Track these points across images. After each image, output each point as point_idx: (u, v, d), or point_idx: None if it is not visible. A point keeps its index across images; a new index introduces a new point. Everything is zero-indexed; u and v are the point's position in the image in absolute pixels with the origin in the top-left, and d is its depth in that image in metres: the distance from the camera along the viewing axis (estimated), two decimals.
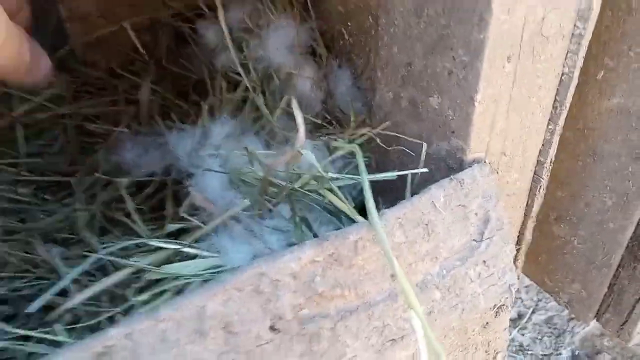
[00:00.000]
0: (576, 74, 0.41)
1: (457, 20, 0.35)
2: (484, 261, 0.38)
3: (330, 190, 0.43)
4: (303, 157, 0.42)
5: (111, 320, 0.50)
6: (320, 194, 0.46)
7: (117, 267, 0.55)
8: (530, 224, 0.48)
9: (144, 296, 0.45)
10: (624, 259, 0.56)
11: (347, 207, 0.40)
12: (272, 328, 0.33)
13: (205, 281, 0.49)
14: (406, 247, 0.36)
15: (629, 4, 0.47)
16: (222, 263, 0.49)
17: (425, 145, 0.41)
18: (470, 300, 0.38)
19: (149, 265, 0.48)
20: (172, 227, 0.54)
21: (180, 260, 0.52)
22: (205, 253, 0.49)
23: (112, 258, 0.49)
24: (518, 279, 0.58)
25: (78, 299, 0.47)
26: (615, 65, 0.50)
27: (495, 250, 0.39)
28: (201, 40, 0.72)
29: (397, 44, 0.40)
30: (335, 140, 0.49)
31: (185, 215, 0.52)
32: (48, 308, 0.57)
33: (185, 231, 0.57)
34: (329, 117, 0.60)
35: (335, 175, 0.41)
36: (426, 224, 0.37)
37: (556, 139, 0.44)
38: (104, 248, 0.52)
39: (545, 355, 1.09)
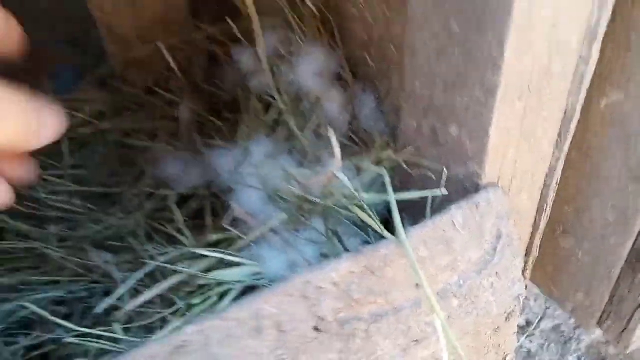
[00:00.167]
0: (578, 108, 0.47)
1: (474, 64, 0.41)
2: (497, 273, 0.44)
3: (361, 207, 0.49)
4: (337, 178, 0.48)
5: (163, 322, 0.56)
6: (349, 210, 0.52)
7: (163, 273, 0.61)
8: (538, 239, 0.54)
9: (196, 300, 0.51)
10: (623, 271, 0.61)
11: (376, 224, 0.46)
12: (316, 328, 0.39)
13: (247, 287, 0.56)
14: (429, 260, 0.42)
15: (628, 40, 0.53)
16: (261, 271, 0.55)
17: (445, 170, 0.47)
18: (484, 307, 0.44)
19: (196, 272, 0.55)
20: (215, 237, 0.60)
21: (219, 268, 0.58)
22: (246, 261, 0.55)
23: (168, 266, 0.55)
24: (526, 288, 0.63)
25: (138, 301, 0.53)
26: (616, 96, 0.55)
27: (506, 263, 0.44)
28: (235, 64, 0.78)
29: (420, 79, 0.46)
30: (362, 161, 0.55)
31: (227, 227, 0.58)
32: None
33: (223, 242, 0.63)
34: (354, 138, 0.66)
35: (366, 195, 0.47)
36: (446, 241, 0.42)
37: (561, 165, 0.49)
38: (160, 255, 0.58)
39: None
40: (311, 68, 0.68)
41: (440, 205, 0.46)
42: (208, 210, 0.70)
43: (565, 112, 0.46)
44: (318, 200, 0.52)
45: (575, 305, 0.67)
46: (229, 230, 0.60)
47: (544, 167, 0.48)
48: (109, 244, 0.70)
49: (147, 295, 0.53)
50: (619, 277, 0.61)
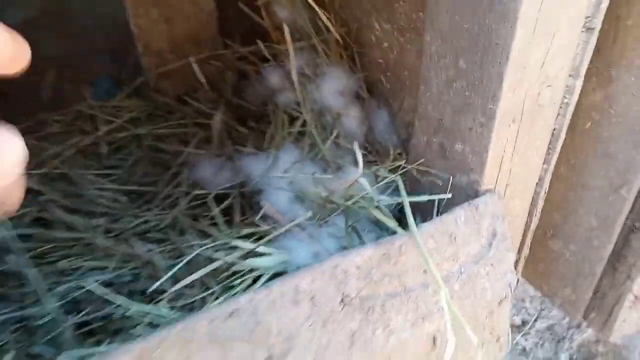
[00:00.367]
0: (564, 129, 0.56)
1: (477, 94, 0.50)
2: (491, 264, 0.53)
3: (378, 208, 0.58)
4: (358, 183, 0.57)
5: (203, 302, 0.65)
6: (368, 210, 0.60)
7: (198, 262, 0.70)
8: (529, 238, 0.62)
9: (235, 282, 0.60)
10: (605, 270, 0.69)
11: (392, 222, 0.55)
12: (342, 302, 0.48)
13: (276, 273, 0.64)
14: (435, 251, 0.51)
15: (610, 74, 0.62)
16: (289, 259, 0.64)
17: (450, 178, 0.56)
18: (480, 292, 0.53)
19: (233, 259, 0.63)
20: (247, 230, 0.69)
21: (252, 258, 0.67)
22: (276, 251, 0.64)
23: (209, 254, 0.64)
24: (518, 283, 0.72)
25: (183, 282, 0.62)
26: (599, 119, 0.64)
27: (500, 256, 0.53)
28: (263, 80, 0.88)
29: (432, 104, 0.56)
30: (379, 169, 0.64)
31: (260, 223, 0.67)
32: (143, 292, 0.72)
33: (253, 235, 0.72)
34: (370, 148, 0.76)
35: (382, 197, 0.56)
36: (450, 236, 0.51)
37: (549, 175, 0.58)
38: (198, 246, 0.67)
39: (546, 358, 1.21)
40: (333, 87, 0.77)
41: (445, 207, 0.55)
42: (237, 209, 0.79)
43: (552, 133, 0.55)
44: (341, 201, 0.61)
45: (563, 300, 0.75)
46: (259, 225, 0.69)
47: (534, 177, 0.57)
48: (150, 236, 0.79)
49: (191, 278, 0.62)
50: (601, 275, 0.70)
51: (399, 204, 0.60)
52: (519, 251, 0.64)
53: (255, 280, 0.64)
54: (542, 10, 0.46)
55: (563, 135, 0.56)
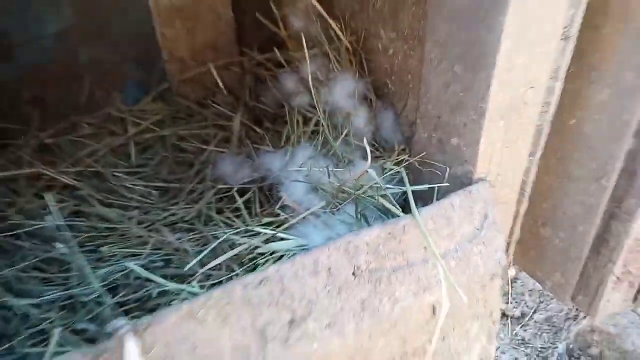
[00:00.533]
0: (547, 125, 0.63)
1: (471, 94, 0.58)
2: (484, 243, 0.60)
3: (385, 197, 0.65)
4: (368, 174, 0.65)
5: (230, 279, 0.73)
6: (375, 199, 0.68)
7: (224, 249, 0.78)
8: (518, 223, 0.70)
9: (260, 262, 0.68)
10: (590, 254, 0.77)
11: (396, 209, 0.63)
12: (354, 274, 0.56)
13: (294, 255, 0.72)
14: (434, 231, 0.59)
15: (590, 78, 0.70)
16: (306, 243, 0.72)
17: (448, 169, 0.64)
18: (474, 268, 0.61)
19: (257, 243, 0.71)
20: (268, 219, 0.77)
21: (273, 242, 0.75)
22: (294, 237, 0.72)
23: (235, 238, 0.72)
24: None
25: (212, 264, 0.70)
26: (582, 116, 0.72)
27: (491, 236, 0.61)
28: (278, 85, 0.97)
29: (432, 104, 0.64)
30: (385, 162, 0.72)
31: (279, 212, 0.75)
32: (173, 277, 0.80)
33: (273, 223, 0.80)
34: (377, 145, 0.84)
35: (389, 186, 0.64)
36: (447, 218, 0.59)
37: (535, 166, 0.66)
38: (222, 234, 0.75)
39: (544, 348, 1.28)
40: (344, 90, 0.86)
41: (444, 195, 0.62)
42: (257, 201, 0.87)
43: (537, 129, 0.63)
44: (352, 191, 0.69)
45: (553, 284, 0.82)
46: (278, 215, 0.77)
47: (521, 168, 0.65)
48: (178, 227, 0.88)
49: (220, 259, 0.70)
50: (586, 259, 0.77)
51: (403, 193, 0.68)
52: (510, 235, 0.71)
53: (276, 262, 0.72)
54: (525, 23, 0.54)
55: (547, 131, 0.64)
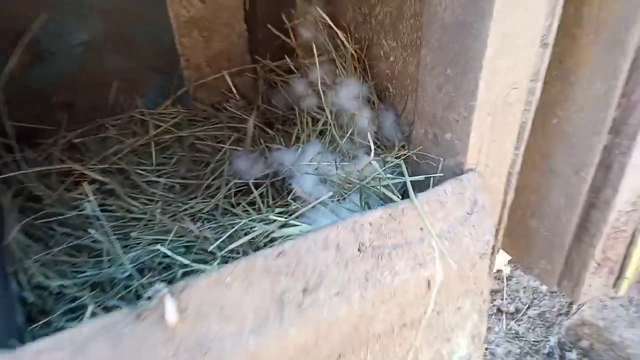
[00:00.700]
0: (530, 122, 0.72)
1: (461, 94, 0.67)
2: (473, 225, 0.68)
3: (386, 186, 0.74)
4: (371, 166, 0.73)
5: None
6: (377, 188, 0.77)
7: (239, 236, 0.86)
8: (506, 211, 0.78)
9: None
10: (572, 242, 0.84)
11: (397, 197, 0.71)
12: (359, 249, 0.64)
13: None
14: (430, 214, 0.67)
15: (569, 81, 0.78)
16: (315, 229, 0.80)
17: (442, 160, 0.72)
18: (465, 247, 0.69)
19: (271, 229, 0.80)
20: (280, 209, 0.85)
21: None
22: (304, 223, 0.80)
23: (252, 224, 0.80)
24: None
25: (231, 247, 0.78)
26: (563, 115, 0.81)
27: (480, 219, 0.69)
28: (288, 89, 1.05)
29: (427, 103, 0.72)
30: (387, 156, 0.80)
31: (291, 202, 0.84)
32: (194, 261, 0.88)
33: (284, 213, 0.88)
34: (379, 143, 0.92)
35: (389, 176, 0.73)
36: (441, 202, 0.67)
37: (520, 159, 0.74)
38: (241, 220, 0.83)
39: (536, 341, 1.35)
40: (349, 93, 0.95)
41: (438, 183, 0.71)
42: (269, 193, 0.95)
43: (520, 125, 0.71)
44: (356, 182, 0.77)
45: (540, 270, 0.90)
46: (289, 205, 0.86)
47: (507, 160, 0.73)
48: (198, 216, 0.96)
49: (238, 242, 0.78)
50: (569, 246, 0.85)
51: (403, 184, 0.76)
52: (499, 222, 0.79)
53: None
54: (506, 32, 0.63)
55: (529, 127, 0.72)
